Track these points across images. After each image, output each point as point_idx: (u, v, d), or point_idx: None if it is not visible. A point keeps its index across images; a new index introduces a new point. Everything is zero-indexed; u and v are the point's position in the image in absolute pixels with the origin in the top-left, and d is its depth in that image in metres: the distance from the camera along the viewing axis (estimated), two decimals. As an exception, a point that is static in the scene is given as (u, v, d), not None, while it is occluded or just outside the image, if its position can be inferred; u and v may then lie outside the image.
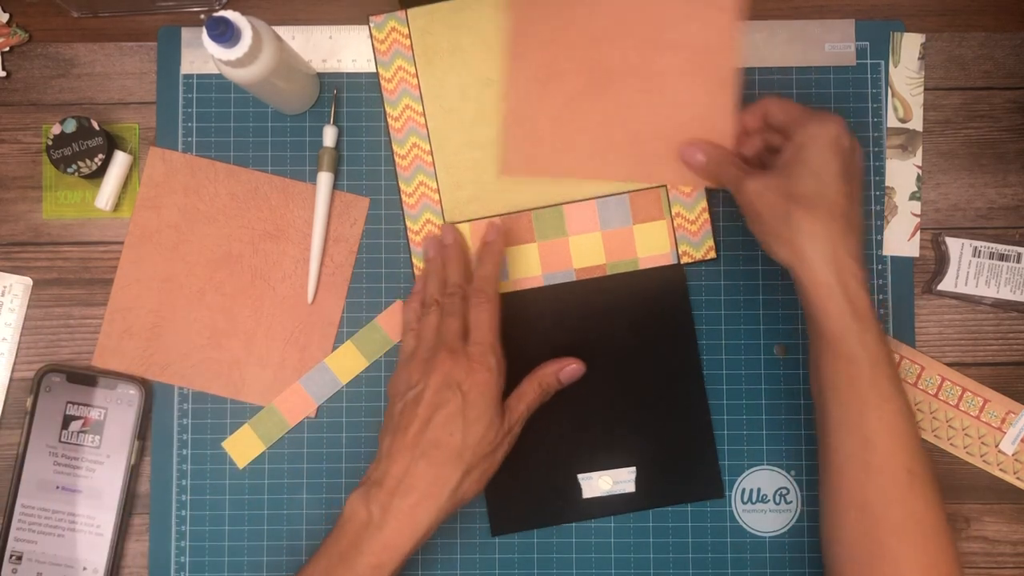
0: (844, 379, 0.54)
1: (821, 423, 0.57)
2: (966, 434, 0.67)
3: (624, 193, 0.67)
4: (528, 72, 0.64)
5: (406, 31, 0.68)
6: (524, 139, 0.65)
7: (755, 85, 0.68)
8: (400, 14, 0.68)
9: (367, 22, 0.68)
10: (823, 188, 0.55)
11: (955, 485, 0.67)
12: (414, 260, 0.68)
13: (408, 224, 0.68)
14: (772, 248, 0.56)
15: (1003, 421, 0.67)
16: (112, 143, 0.66)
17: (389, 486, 0.55)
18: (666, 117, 0.63)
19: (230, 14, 0.55)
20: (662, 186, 0.67)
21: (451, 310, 0.60)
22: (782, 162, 0.57)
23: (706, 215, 0.68)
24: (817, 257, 0.54)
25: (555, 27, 0.63)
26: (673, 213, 0.67)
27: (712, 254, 0.68)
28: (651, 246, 0.67)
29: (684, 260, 0.68)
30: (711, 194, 0.68)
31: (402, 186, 0.68)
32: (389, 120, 0.68)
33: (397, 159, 0.68)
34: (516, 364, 0.67)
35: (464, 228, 0.67)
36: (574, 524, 0.67)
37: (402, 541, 0.54)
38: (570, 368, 0.63)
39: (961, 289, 0.67)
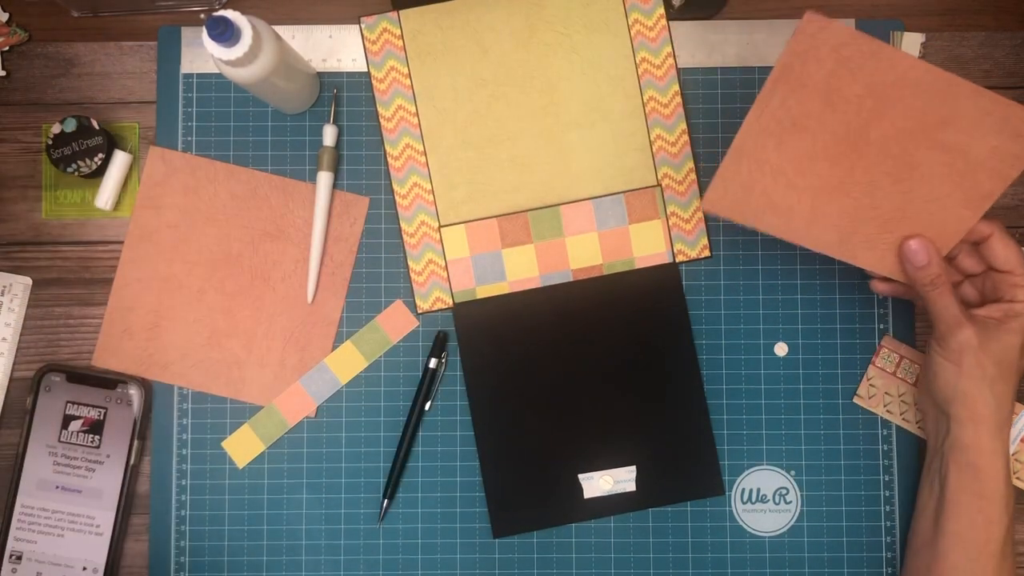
0: (983, 536, 0.59)
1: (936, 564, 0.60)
2: (966, 434, 0.67)
3: (619, 193, 0.67)
4: (777, 113, 0.58)
5: (398, 32, 0.68)
6: (739, 180, 0.59)
7: (755, 85, 0.68)
8: (392, 15, 0.68)
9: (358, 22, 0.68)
10: (1022, 365, 0.59)
11: (955, 485, 0.67)
12: (410, 263, 0.68)
13: (402, 226, 0.68)
14: (945, 391, 0.59)
15: (1003, 421, 0.67)
16: (112, 142, 0.66)
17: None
18: (899, 208, 0.59)
19: (230, 14, 0.55)
20: (657, 186, 0.67)
21: None
22: (993, 321, 0.58)
23: (700, 214, 0.68)
24: (993, 422, 0.58)
25: (830, 78, 0.56)
26: (668, 212, 0.67)
27: (707, 252, 0.68)
28: (647, 245, 0.67)
29: (679, 259, 0.68)
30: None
31: (396, 187, 0.68)
32: (382, 121, 0.68)
33: (390, 160, 0.68)
34: (516, 364, 0.67)
35: (459, 229, 0.67)
36: (574, 524, 0.67)
37: None
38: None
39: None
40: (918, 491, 0.63)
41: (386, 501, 0.66)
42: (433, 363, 0.67)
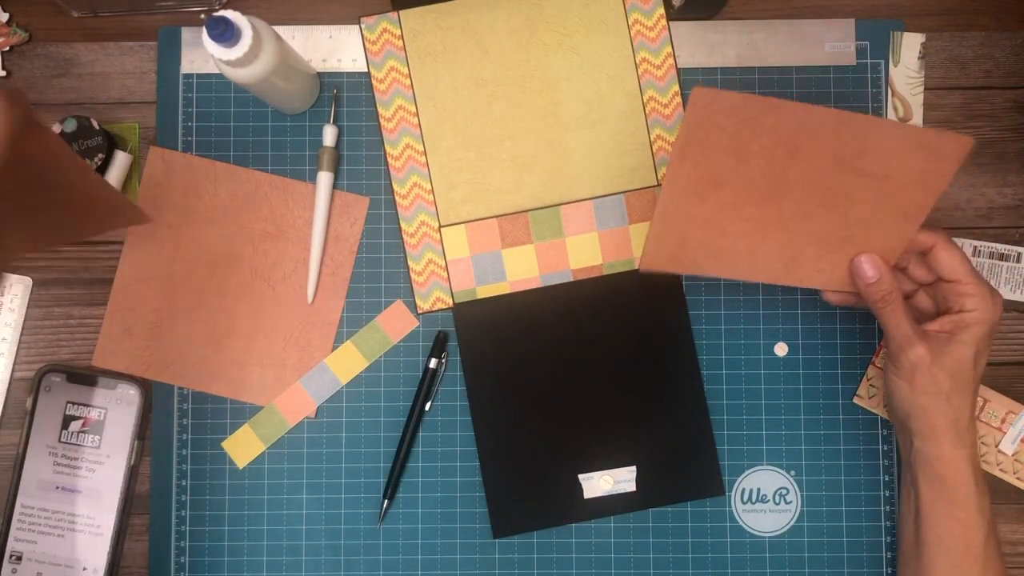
0: (962, 543, 0.58)
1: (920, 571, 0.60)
2: (966, 434, 0.67)
3: (620, 193, 0.67)
4: (691, 177, 0.58)
5: (398, 32, 0.68)
6: (671, 238, 0.60)
7: (755, 85, 0.68)
8: (392, 15, 0.68)
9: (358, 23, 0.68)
10: (978, 373, 0.58)
11: (955, 485, 0.67)
12: (410, 263, 0.68)
13: (403, 226, 0.68)
14: (901, 408, 0.59)
15: (1003, 421, 0.67)
16: (112, 143, 0.66)
17: None
18: (838, 228, 0.60)
19: (230, 14, 0.55)
20: (657, 185, 0.67)
21: None
22: (944, 334, 0.58)
23: (706, 215, 0.68)
24: (953, 432, 0.58)
25: (734, 139, 0.57)
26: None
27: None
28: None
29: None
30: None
31: (396, 187, 0.68)
32: (382, 121, 0.68)
33: (390, 160, 0.68)
34: (516, 364, 0.67)
35: (459, 230, 0.67)
36: (574, 524, 0.67)
37: None
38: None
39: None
40: (899, 502, 0.64)
41: (386, 501, 0.66)
42: (433, 363, 0.67)
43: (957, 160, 0.57)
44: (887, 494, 0.67)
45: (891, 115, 0.68)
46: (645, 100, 0.68)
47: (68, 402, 0.65)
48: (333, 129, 0.67)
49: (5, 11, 0.68)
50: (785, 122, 0.56)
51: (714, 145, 0.57)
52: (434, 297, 0.67)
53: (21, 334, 0.67)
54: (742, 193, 0.58)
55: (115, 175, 0.66)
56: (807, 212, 0.59)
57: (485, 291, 0.67)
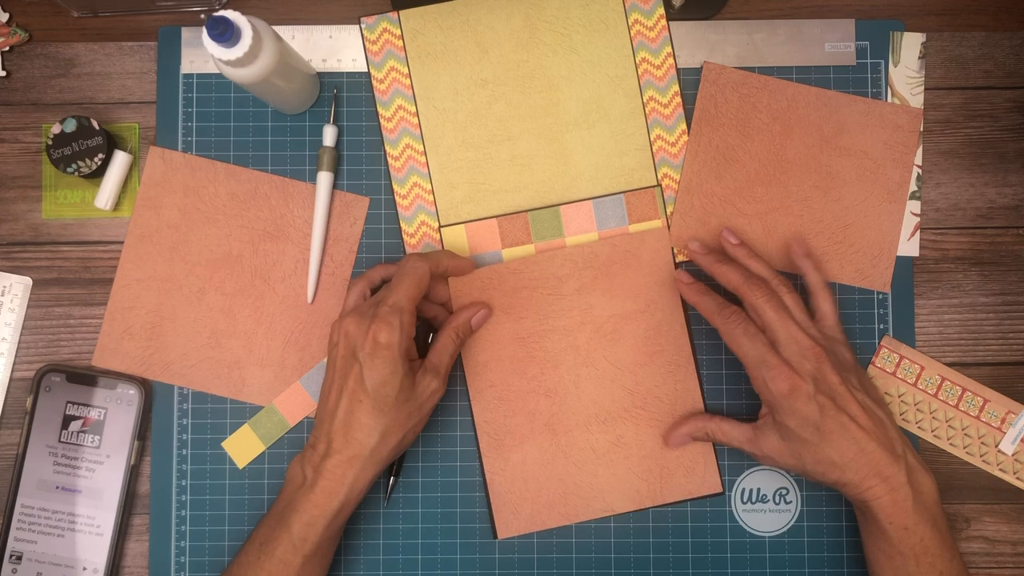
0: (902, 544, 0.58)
1: None
2: (966, 434, 0.67)
3: (620, 193, 0.67)
4: (707, 150, 0.67)
5: (398, 32, 0.68)
6: (693, 214, 0.67)
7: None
8: (392, 15, 0.68)
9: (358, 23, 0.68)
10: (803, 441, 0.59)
11: (955, 485, 0.67)
12: (414, 260, 0.68)
13: (403, 226, 0.68)
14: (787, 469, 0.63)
15: (1003, 421, 0.67)
16: (112, 143, 0.66)
17: (320, 450, 0.58)
18: (834, 216, 0.66)
19: (230, 14, 0.55)
20: (657, 186, 0.67)
21: (372, 275, 0.64)
22: (766, 420, 0.61)
23: (706, 215, 0.68)
24: (800, 471, 0.60)
25: (739, 112, 0.66)
26: (668, 213, 0.67)
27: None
28: (651, 246, 0.68)
29: (680, 259, 0.68)
30: (711, 194, 0.68)
31: (396, 187, 0.68)
32: (382, 121, 0.68)
33: (390, 160, 0.68)
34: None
35: (459, 230, 0.67)
36: (574, 524, 0.67)
37: (328, 499, 0.57)
38: (481, 313, 0.65)
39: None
40: None
41: (392, 479, 0.66)
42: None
43: (914, 131, 0.66)
44: (887, 494, 0.67)
45: (891, 115, 0.68)
46: (645, 100, 0.68)
47: (68, 402, 0.65)
48: (333, 129, 0.67)
49: (5, 11, 0.68)
50: (777, 98, 0.67)
51: (723, 119, 0.67)
52: (434, 297, 0.67)
53: (21, 334, 0.67)
54: (751, 170, 0.67)
55: (115, 175, 0.66)
56: (807, 196, 0.66)
57: (485, 291, 0.67)
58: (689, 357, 0.66)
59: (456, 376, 0.67)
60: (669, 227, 0.67)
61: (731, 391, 0.67)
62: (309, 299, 0.67)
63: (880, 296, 0.68)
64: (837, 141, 0.67)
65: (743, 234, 0.67)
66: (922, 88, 0.69)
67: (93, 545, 0.65)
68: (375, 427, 0.57)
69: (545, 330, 0.66)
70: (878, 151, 0.67)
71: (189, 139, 0.68)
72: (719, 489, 0.67)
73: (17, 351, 0.67)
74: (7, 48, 0.68)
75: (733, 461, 0.67)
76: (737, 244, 0.64)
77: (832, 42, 0.69)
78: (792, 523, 0.67)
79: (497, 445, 0.66)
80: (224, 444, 0.67)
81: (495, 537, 0.67)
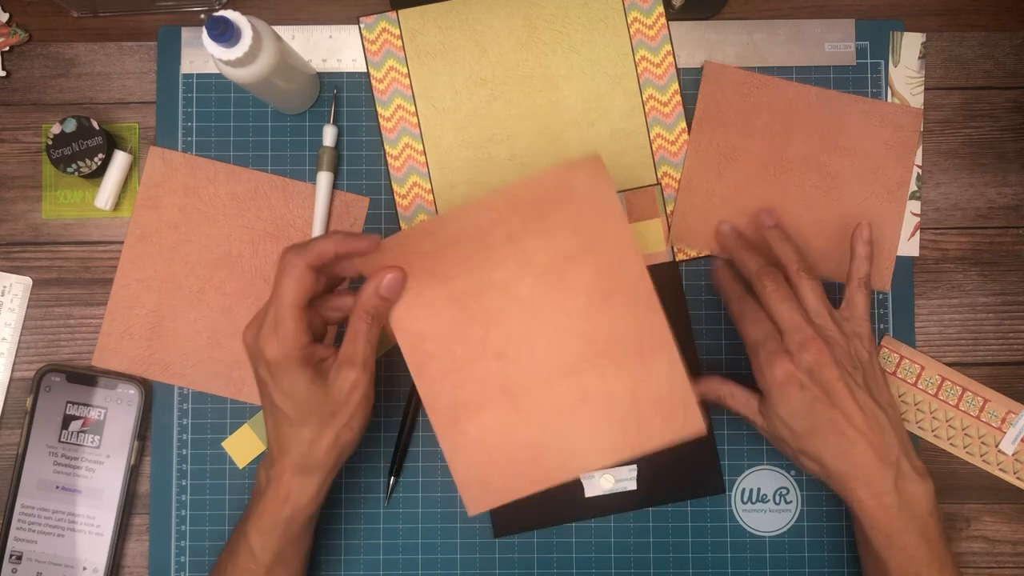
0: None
1: None
2: (966, 434, 0.67)
3: (620, 192, 0.67)
4: (708, 149, 0.67)
5: (397, 32, 0.68)
6: (694, 213, 0.67)
7: (755, 85, 0.68)
8: (391, 15, 0.68)
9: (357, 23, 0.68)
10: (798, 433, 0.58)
11: (955, 485, 0.67)
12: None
13: (403, 225, 0.68)
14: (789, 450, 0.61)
15: (1003, 421, 0.67)
16: (112, 143, 0.66)
17: (271, 457, 0.57)
18: (834, 216, 0.67)
19: (230, 14, 0.55)
20: (656, 184, 0.67)
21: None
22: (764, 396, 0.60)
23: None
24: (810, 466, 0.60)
25: (739, 112, 0.67)
26: (668, 212, 0.67)
27: (707, 251, 0.68)
28: (647, 244, 0.67)
29: (680, 258, 0.68)
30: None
31: (395, 187, 0.68)
32: (381, 120, 0.68)
33: (390, 160, 0.68)
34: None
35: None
36: (574, 524, 0.67)
37: (277, 506, 0.56)
38: (388, 278, 0.56)
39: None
40: None
41: (392, 479, 0.66)
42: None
43: (915, 131, 0.67)
44: (887, 494, 0.67)
45: (891, 115, 0.68)
46: (644, 99, 0.68)
47: (68, 402, 0.65)
48: (333, 129, 0.67)
49: (5, 11, 0.68)
50: (778, 98, 0.67)
51: (725, 118, 0.67)
52: (434, 297, 0.67)
53: (21, 334, 0.67)
54: (752, 170, 0.67)
55: (115, 175, 0.66)
56: (808, 196, 0.66)
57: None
58: (651, 291, 0.57)
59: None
60: (669, 227, 0.67)
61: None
62: (309, 299, 0.67)
63: (880, 296, 0.68)
64: (838, 141, 0.67)
65: (743, 231, 0.66)
66: (922, 88, 0.69)
67: (93, 545, 0.65)
68: (298, 435, 0.55)
69: (480, 287, 0.58)
70: (878, 151, 0.67)
71: (189, 139, 0.68)
72: (702, 430, 0.59)
73: (17, 351, 0.67)
74: (7, 48, 0.68)
75: (733, 461, 0.67)
76: (772, 226, 0.63)
77: (832, 42, 0.69)
78: (792, 523, 0.67)
79: (451, 421, 0.59)
80: (224, 444, 0.67)
81: (495, 536, 0.66)
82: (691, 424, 0.58)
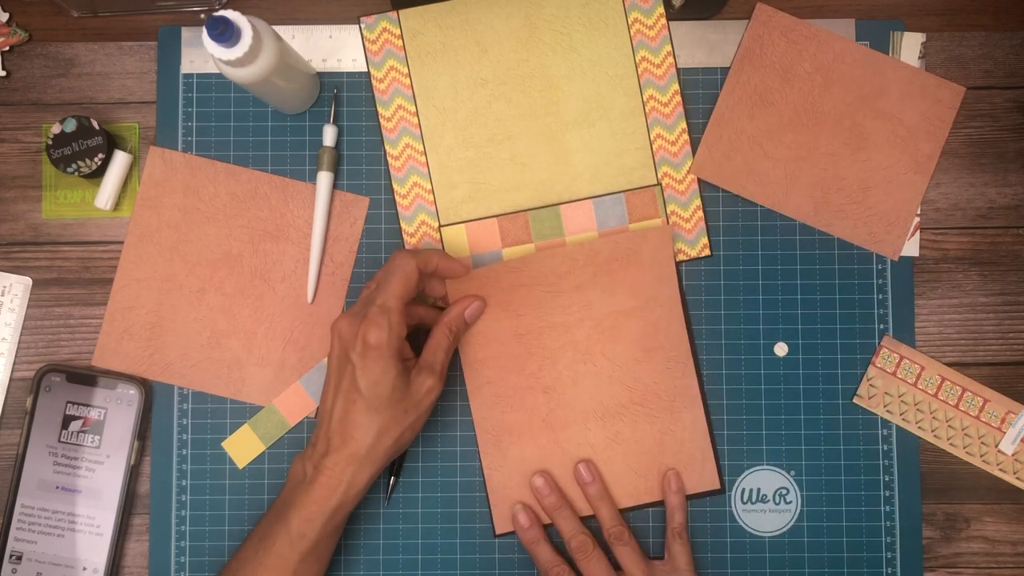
0: None
1: None
2: (966, 434, 0.67)
3: (620, 192, 0.67)
4: (745, 88, 0.67)
5: (398, 32, 0.68)
6: (720, 147, 0.67)
7: (755, 85, 0.68)
8: (392, 15, 0.68)
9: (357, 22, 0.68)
10: None
11: (955, 485, 0.67)
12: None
13: (403, 226, 0.68)
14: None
15: (1003, 421, 0.67)
16: (112, 142, 0.66)
17: (320, 448, 0.59)
18: (857, 176, 0.67)
19: (230, 14, 0.55)
20: (657, 185, 0.67)
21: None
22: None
23: (700, 213, 0.68)
24: None
25: (783, 58, 0.67)
26: (668, 212, 0.68)
27: (707, 251, 0.68)
28: (651, 246, 0.68)
29: (679, 258, 0.68)
30: (707, 193, 0.68)
31: (396, 187, 0.68)
32: (381, 120, 0.68)
33: (390, 160, 0.68)
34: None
35: (459, 229, 0.67)
36: (574, 524, 0.67)
37: (327, 495, 0.58)
38: (474, 305, 0.64)
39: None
40: None
41: (392, 479, 0.66)
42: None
43: (953, 107, 0.67)
44: (887, 494, 0.67)
45: (891, 115, 0.68)
46: (645, 99, 0.68)
47: (68, 402, 0.65)
48: (333, 129, 0.67)
49: (5, 11, 0.68)
50: (824, 50, 0.67)
51: (768, 61, 0.68)
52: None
53: (21, 334, 0.67)
54: (785, 116, 0.67)
55: (115, 175, 0.66)
56: (836, 152, 0.67)
57: (485, 291, 0.67)
58: (688, 353, 0.66)
59: (455, 376, 0.67)
60: (667, 221, 0.67)
61: (731, 390, 0.67)
62: (309, 299, 0.67)
63: (880, 296, 0.68)
64: (875, 103, 0.67)
65: (765, 177, 0.67)
66: (922, 88, 0.69)
67: (93, 545, 0.65)
68: (370, 426, 0.57)
69: (544, 327, 0.66)
70: (913, 120, 0.67)
71: (189, 139, 0.68)
72: (717, 486, 0.67)
73: (17, 351, 0.67)
74: (7, 48, 0.68)
75: (733, 461, 0.67)
76: (590, 482, 0.65)
77: (832, 42, 0.68)
78: (792, 523, 0.67)
79: (495, 441, 0.66)
80: (224, 444, 0.67)
81: (495, 536, 0.67)
82: (707, 480, 0.66)
